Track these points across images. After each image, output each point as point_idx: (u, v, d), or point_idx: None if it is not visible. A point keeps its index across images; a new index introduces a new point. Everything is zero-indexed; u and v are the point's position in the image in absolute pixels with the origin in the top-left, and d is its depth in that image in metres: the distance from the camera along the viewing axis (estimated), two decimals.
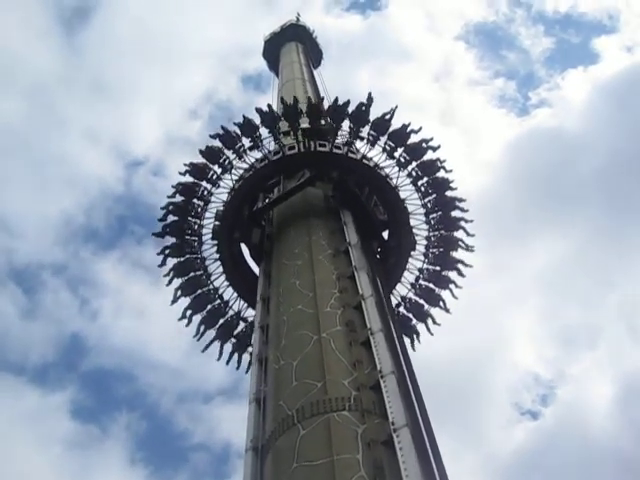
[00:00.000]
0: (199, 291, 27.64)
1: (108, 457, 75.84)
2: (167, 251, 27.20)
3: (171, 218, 27.11)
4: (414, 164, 26.58)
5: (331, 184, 24.46)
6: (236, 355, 28.21)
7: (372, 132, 26.22)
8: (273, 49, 56.59)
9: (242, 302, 27.50)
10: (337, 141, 25.60)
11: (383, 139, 26.30)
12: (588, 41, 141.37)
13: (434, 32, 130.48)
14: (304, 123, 26.11)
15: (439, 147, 26.66)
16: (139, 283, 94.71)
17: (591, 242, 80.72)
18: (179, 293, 27.48)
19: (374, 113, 26.24)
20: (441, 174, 26.84)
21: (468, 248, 27.43)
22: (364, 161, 25.62)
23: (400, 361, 15.85)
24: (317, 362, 15.78)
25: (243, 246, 26.23)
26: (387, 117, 26.22)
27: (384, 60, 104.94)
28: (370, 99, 26.03)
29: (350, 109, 26.06)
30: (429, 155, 26.70)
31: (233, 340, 28.03)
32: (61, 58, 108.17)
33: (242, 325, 27.90)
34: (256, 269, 25.42)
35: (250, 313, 27.03)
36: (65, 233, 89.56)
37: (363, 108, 26.02)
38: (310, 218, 23.46)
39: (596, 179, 77.82)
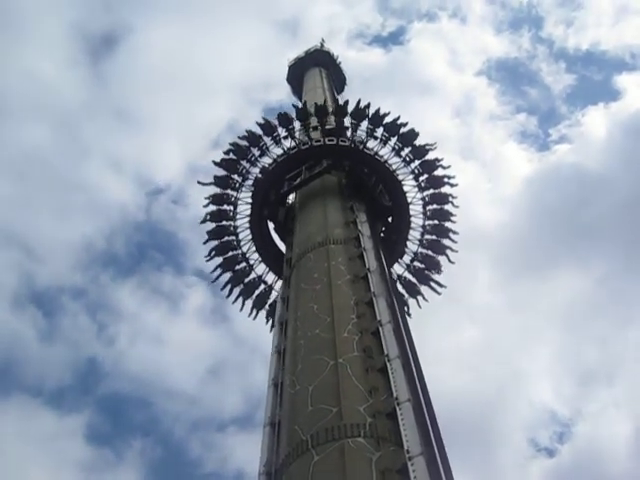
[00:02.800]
0: (230, 253, 32.26)
1: None
2: (208, 216, 32.01)
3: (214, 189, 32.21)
4: (417, 162, 31.82)
5: (344, 172, 29.00)
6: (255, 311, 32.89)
7: (385, 133, 31.74)
8: (297, 74, 57.13)
9: (265, 268, 32.24)
10: (353, 138, 30.83)
11: (393, 140, 31.68)
12: (609, 78, 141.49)
13: (456, 67, 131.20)
14: (328, 124, 31.63)
15: (436, 150, 32.16)
16: (157, 310, 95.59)
17: (610, 279, 79.90)
18: (213, 253, 32.26)
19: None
20: (438, 172, 31.99)
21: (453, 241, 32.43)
22: (375, 156, 30.34)
23: (417, 389, 15.74)
24: (333, 388, 15.69)
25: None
26: (398, 122, 31.84)
27: (405, 94, 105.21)
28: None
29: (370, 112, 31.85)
30: (430, 155, 32.00)
31: (254, 298, 32.69)
32: (86, 87, 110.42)
33: (262, 286, 32.53)
34: (279, 243, 30.82)
35: (270, 277, 32.31)
36: (85, 258, 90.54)
37: (380, 113, 31.88)
38: (327, 198, 27.46)
39: (615, 216, 77.29)
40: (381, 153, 30.99)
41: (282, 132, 32.00)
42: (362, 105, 32.10)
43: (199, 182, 32.69)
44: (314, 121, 31.99)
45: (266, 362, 20.09)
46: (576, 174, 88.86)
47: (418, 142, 32.07)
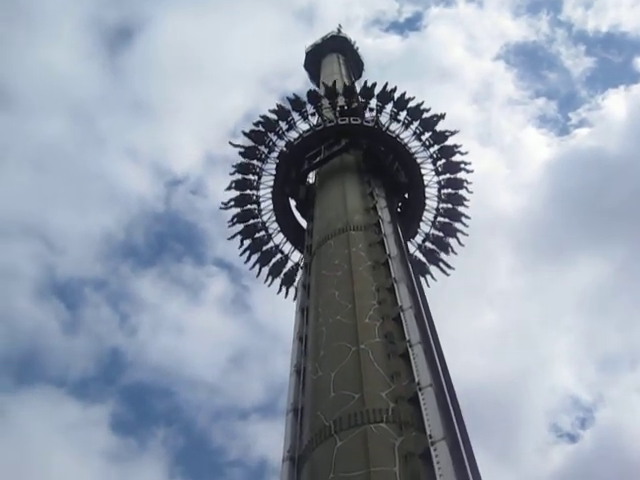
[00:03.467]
0: (251, 221, 33.66)
1: (147, 470, 76.85)
2: (233, 184, 33.40)
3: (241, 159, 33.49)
4: (436, 147, 32.72)
5: (362, 151, 29.93)
6: (284, 288, 34.08)
7: (407, 117, 32.79)
8: (314, 60, 57.01)
9: (283, 238, 33.65)
10: (377, 119, 31.94)
11: (415, 124, 32.67)
12: (630, 60, 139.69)
13: (474, 52, 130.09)
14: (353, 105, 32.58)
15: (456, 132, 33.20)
16: (178, 300, 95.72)
17: (631, 263, 79.29)
18: (235, 219, 33.62)
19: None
20: (456, 158, 32.81)
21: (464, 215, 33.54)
22: (389, 133, 31.37)
23: (439, 374, 15.75)
24: (355, 373, 15.77)
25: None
26: (422, 107, 32.92)
27: (423, 80, 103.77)
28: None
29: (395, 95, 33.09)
30: (440, 127, 32.89)
31: (270, 266, 34.11)
32: (103, 79, 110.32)
33: (280, 255, 33.96)
34: (298, 217, 32.21)
35: (287, 247, 33.76)
36: (106, 249, 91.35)
37: (405, 97, 32.97)
38: (345, 176, 28.43)
39: (636, 200, 76.42)
40: (402, 136, 31.95)
41: (310, 109, 33.31)
42: (389, 89, 33.36)
43: (230, 143, 34.18)
44: (341, 101, 33.17)
45: (287, 350, 20.21)
46: (596, 158, 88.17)
47: (439, 128, 32.94)
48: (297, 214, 32.36)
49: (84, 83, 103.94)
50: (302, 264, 28.86)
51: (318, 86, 48.63)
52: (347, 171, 29.04)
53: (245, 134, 33.88)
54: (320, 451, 14.18)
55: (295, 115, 33.37)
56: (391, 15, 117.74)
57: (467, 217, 33.64)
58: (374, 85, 33.80)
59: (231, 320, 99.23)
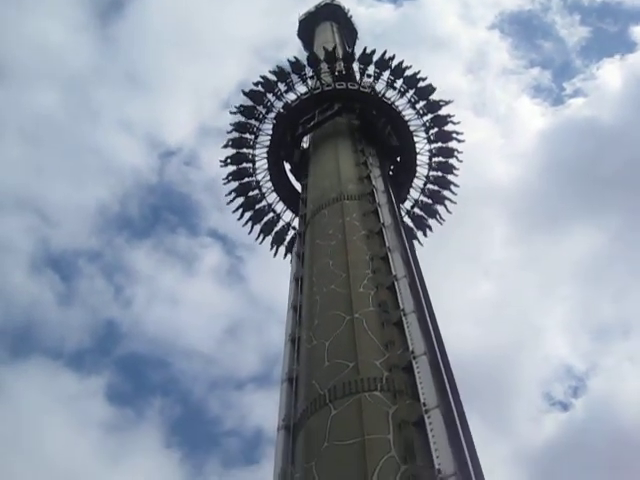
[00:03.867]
0: (250, 193, 34.61)
1: (143, 440, 77.51)
2: (230, 142, 34.28)
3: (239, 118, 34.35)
4: (422, 103, 33.49)
5: (355, 115, 30.51)
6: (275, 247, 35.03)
7: (404, 85, 33.58)
8: (308, 29, 56.50)
9: (283, 206, 34.45)
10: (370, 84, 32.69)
11: (411, 92, 33.48)
12: (625, 29, 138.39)
13: (468, 21, 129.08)
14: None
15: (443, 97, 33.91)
16: (172, 271, 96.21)
17: (625, 232, 79.79)
18: (230, 177, 34.53)
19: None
20: (448, 127, 33.58)
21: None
22: (383, 99, 32.06)
23: (432, 342, 15.80)
24: (349, 342, 15.80)
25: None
26: (418, 76, 33.55)
27: (417, 49, 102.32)
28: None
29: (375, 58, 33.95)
30: (435, 96, 33.72)
31: (262, 224, 35.00)
32: (96, 50, 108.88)
33: (272, 214, 34.83)
34: (295, 183, 32.84)
35: (287, 215, 34.53)
36: (100, 221, 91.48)
37: (402, 66, 33.69)
38: (338, 139, 28.85)
39: (631, 169, 76.39)
40: (397, 103, 32.72)
41: (309, 72, 33.95)
42: (387, 56, 34.09)
43: (230, 112, 34.95)
44: (339, 66, 33.79)
45: (282, 321, 20.22)
46: (591, 128, 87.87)
47: (433, 97, 33.76)
48: (292, 178, 33.11)
49: (77, 55, 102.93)
50: (296, 230, 31.32)
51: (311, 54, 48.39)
52: (340, 135, 29.37)
53: (244, 93, 34.65)
54: (315, 420, 14.24)
55: (294, 77, 34.06)
56: None
57: (456, 185, 34.58)
58: (373, 52, 34.40)
59: (226, 291, 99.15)
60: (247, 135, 34.22)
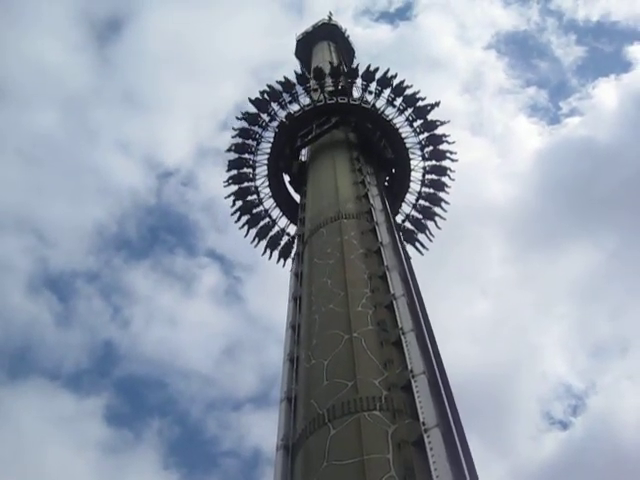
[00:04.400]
0: (245, 184, 35.84)
1: (141, 461, 77.25)
2: (233, 147, 35.83)
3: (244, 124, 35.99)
4: (419, 122, 34.81)
5: (350, 127, 31.99)
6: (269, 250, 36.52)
7: (378, 87, 35.05)
8: (305, 48, 56.80)
9: (280, 213, 35.83)
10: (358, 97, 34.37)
11: (409, 110, 34.83)
12: (620, 49, 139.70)
13: (464, 41, 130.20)
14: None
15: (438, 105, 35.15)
16: (171, 291, 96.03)
17: (622, 251, 79.74)
18: (231, 181, 36.00)
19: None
20: (443, 147, 34.92)
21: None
22: (382, 115, 33.52)
23: (432, 361, 15.76)
24: (348, 361, 15.78)
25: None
26: (417, 95, 34.94)
27: (414, 70, 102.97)
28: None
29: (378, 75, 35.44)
30: (432, 116, 34.99)
31: (258, 228, 36.43)
32: (94, 70, 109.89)
33: (268, 219, 36.18)
34: (293, 193, 34.31)
35: (283, 221, 36.04)
36: (98, 242, 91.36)
37: (403, 85, 35.15)
38: (335, 152, 29.96)
39: (627, 188, 76.71)
40: (395, 121, 34.18)
41: (314, 84, 35.71)
42: (389, 75, 35.55)
43: (238, 118, 36.43)
44: (342, 81, 35.64)
45: (280, 341, 20.25)
46: (587, 147, 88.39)
47: (430, 117, 35.03)
48: (289, 186, 34.56)
49: (75, 75, 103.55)
50: (290, 236, 35.08)
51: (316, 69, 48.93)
52: (337, 148, 30.57)
53: (251, 101, 35.98)
54: (314, 439, 14.20)
55: (299, 89, 35.73)
56: (381, 5, 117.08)
57: (447, 203, 35.94)
58: (376, 70, 35.83)
59: (224, 311, 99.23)
60: (249, 141, 35.71)
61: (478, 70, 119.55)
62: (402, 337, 16.17)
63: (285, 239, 36.03)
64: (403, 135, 33.89)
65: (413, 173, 34.52)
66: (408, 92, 35.21)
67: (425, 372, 14.74)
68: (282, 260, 36.21)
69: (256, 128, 35.65)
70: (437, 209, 35.87)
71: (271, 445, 15.77)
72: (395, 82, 35.30)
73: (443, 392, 14.67)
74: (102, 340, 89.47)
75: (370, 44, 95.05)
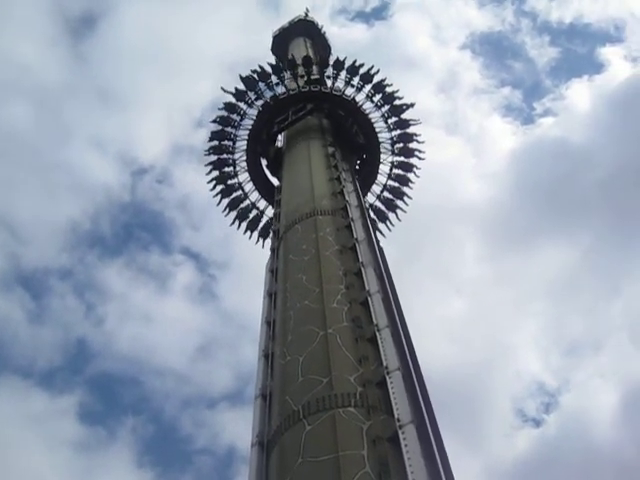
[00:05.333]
0: (224, 155, 37.33)
1: (115, 460, 76.57)
2: (218, 119, 37.17)
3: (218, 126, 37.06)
4: (387, 107, 36.78)
5: (324, 114, 33.63)
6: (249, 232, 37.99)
7: (360, 82, 36.97)
8: (282, 44, 56.50)
9: (258, 196, 37.27)
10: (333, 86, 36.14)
11: (386, 107, 36.81)
12: (593, 51, 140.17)
13: (439, 41, 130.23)
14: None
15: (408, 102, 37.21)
16: (145, 289, 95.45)
17: (596, 251, 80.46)
18: (211, 151, 37.37)
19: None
20: (413, 145, 37.01)
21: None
22: (351, 100, 35.21)
23: (406, 358, 15.80)
24: (323, 358, 15.78)
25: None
26: (372, 72, 37.07)
27: (389, 69, 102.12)
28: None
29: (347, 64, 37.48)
30: (399, 102, 37.04)
31: (230, 198, 37.77)
32: (67, 66, 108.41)
33: (240, 192, 37.53)
34: (270, 177, 35.77)
35: (262, 203, 37.41)
36: (71, 239, 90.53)
37: (356, 64, 37.31)
38: (310, 134, 31.69)
39: (601, 188, 77.65)
40: (372, 115, 36.18)
41: (287, 75, 37.37)
42: (372, 72, 37.35)
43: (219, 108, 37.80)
44: (328, 71, 37.58)
45: (255, 339, 20.17)
46: (561, 147, 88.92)
47: (405, 115, 37.02)
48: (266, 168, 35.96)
49: (49, 71, 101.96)
50: (269, 218, 36.20)
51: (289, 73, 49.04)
52: (311, 134, 31.96)
53: (242, 78, 37.33)
54: (289, 436, 14.18)
55: (274, 78, 37.16)
56: (357, 4, 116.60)
57: (409, 197, 38.15)
58: (361, 65, 37.63)
59: (199, 309, 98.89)
60: (228, 129, 37.01)
61: (453, 70, 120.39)
62: (377, 333, 16.19)
63: (264, 220, 37.53)
64: (377, 130, 35.79)
65: (381, 166, 36.60)
66: (387, 90, 37.03)
67: (400, 368, 14.78)
68: (261, 240, 37.62)
69: (234, 116, 36.95)
70: (399, 202, 38.11)
71: (246, 443, 15.74)
72: (376, 79, 37.15)
73: (418, 389, 14.71)
74: (76, 338, 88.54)
75: (346, 43, 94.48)
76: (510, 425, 76.61)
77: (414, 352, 16.39)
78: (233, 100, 37.21)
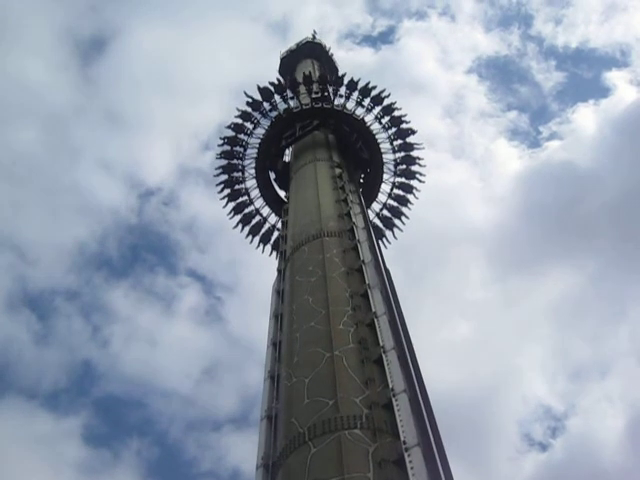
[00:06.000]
0: (234, 174, 38.76)
1: None
2: (222, 154, 38.62)
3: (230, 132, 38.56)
4: (394, 129, 37.97)
5: (330, 129, 35.23)
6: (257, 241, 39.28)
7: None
8: (289, 66, 56.87)
9: (268, 209, 38.64)
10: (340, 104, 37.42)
11: (393, 130, 37.97)
12: (599, 75, 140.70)
13: (446, 65, 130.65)
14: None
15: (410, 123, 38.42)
16: (151, 311, 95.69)
17: (603, 274, 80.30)
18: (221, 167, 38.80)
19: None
20: (415, 168, 38.44)
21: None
22: (357, 118, 36.61)
23: (413, 380, 15.77)
24: (329, 380, 15.75)
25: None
26: (382, 94, 38.29)
27: (396, 93, 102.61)
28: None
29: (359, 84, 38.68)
30: (405, 126, 38.17)
31: (236, 203, 39.16)
32: (76, 90, 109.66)
33: (246, 197, 38.94)
34: (278, 190, 37.29)
35: (273, 218, 38.70)
36: (78, 261, 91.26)
37: (392, 107, 38.28)
38: (316, 149, 32.74)
39: (607, 212, 77.41)
40: (379, 136, 37.32)
41: (302, 89, 38.40)
42: (382, 94, 38.49)
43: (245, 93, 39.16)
44: (341, 90, 38.66)
45: (260, 362, 20.18)
46: (567, 171, 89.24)
47: (410, 139, 38.27)
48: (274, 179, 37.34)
49: (58, 94, 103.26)
50: (279, 232, 35.59)
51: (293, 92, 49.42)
52: (318, 145, 33.45)
53: (259, 89, 38.46)
54: (294, 458, 14.14)
55: (289, 93, 38.35)
56: (365, 29, 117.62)
57: (407, 217, 39.63)
58: (374, 87, 38.76)
59: (205, 331, 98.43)
60: (248, 124, 38.23)
61: (459, 94, 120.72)
62: (383, 355, 16.18)
63: (266, 226, 39.08)
64: (382, 150, 37.04)
65: (383, 185, 38.03)
66: (395, 113, 38.17)
67: (406, 390, 14.75)
68: (262, 245, 39.19)
69: (257, 114, 38.21)
70: (396, 220, 39.61)
71: (251, 466, 15.72)
72: (386, 102, 38.36)
73: (424, 411, 14.66)
74: (81, 359, 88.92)
75: (353, 67, 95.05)
76: (516, 449, 76.04)
77: (420, 374, 16.34)
78: (249, 109, 38.42)
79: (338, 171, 29.49)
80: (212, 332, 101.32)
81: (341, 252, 21.93)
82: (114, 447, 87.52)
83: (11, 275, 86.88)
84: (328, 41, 66.71)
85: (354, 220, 24.22)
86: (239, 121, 38.42)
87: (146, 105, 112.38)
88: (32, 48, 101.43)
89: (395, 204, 39.02)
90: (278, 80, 39.97)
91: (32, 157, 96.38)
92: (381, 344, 16.66)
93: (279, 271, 24.17)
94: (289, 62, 57.47)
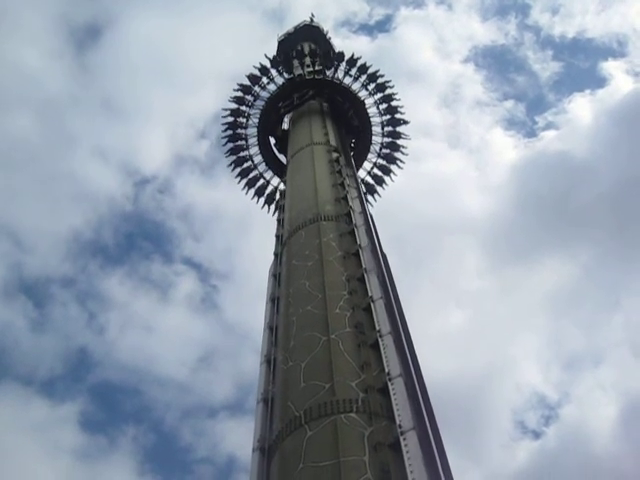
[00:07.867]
0: (241, 153, 43.01)
1: (116, 468, 76.65)
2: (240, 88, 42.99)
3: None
4: (379, 95, 42.94)
5: (324, 98, 38.81)
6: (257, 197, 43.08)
7: (357, 72, 43.32)
8: (287, 49, 56.65)
9: (271, 173, 42.67)
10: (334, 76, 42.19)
11: (384, 105, 42.85)
12: (596, 65, 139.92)
13: (443, 54, 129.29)
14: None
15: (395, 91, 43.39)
16: (146, 298, 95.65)
17: (598, 264, 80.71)
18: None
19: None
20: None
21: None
22: (348, 87, 41.14)
23: (408, 364, 15.78)
24: (325, 363, 15.78)
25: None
26: (368, 65, 43.42)
27: (392, 81, 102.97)
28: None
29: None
30: (389, 91, 43.26)
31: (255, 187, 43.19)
32: (72, 77, 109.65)
33: (263, 180, 43.07)
34: (278, 154, 41.24)
35: (269, 174, 42.85)
36: (74, 248, 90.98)
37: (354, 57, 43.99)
38: (311, 116, 35.93)
39: (601, 202, 77.29)
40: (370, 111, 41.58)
41: (307, 61, 43.29)
42: (378, 74, 43.54)
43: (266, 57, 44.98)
44: (342, 66, 44.19)
45: (256, 349, 20.18)
46: (562, 161, 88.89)
47: (400, 128, 43.00)
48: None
49: (53, 81, 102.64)
50: (274, 187, 41.73)
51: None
52: (313, 112, 36.74)
53: (266, 57, 44.55)
54: (290, 441, 14.19)
55: (295, 62, 43.55)
56: (361, 17, 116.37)
57: (387, 184, 43.84)
58: (370, 66, 43.73)
59: (200, 319, 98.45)
60: (247, 96, 42.90)
61: (455, 83, 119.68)
62: (379, 339, 16.19)
63: (270, 188, 42.63)
64: (370, 115, 41.15)
65: (369, 155, 42.44)
66: (379, 80, 43.21)
67: (402, 375, 14.77)
68: (267, 206, 42.59)
69: (244, 107, 42.71)
70: (379, 188, 43.70)
71: (246, 453, 15.74)
72: (380, 80, 43.37)
73: (420, 395, 14.68)
74: (77, 346, 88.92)
75: (349, 55, 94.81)
76: (510, 437, 76.59)
77: (416, 359, 16.36)
78: (248, 82, 43.00)
79: (335, 155, 29.44)
80: (208, 320, 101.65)
81: (338, 236, 21.91)
82: (110, 434, 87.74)
83: (7, 262, 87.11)
84: (324, 28, 66.67)
85: (351, 204, 24.18)
86: (240, 94, 42.69)
87: (142, 93, 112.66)
88: (28, 35, 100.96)
89: (379, 173, 43.38)
90: (274, 56, 45.17)
91: (28, 144, 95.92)
92: (377, 328, 16.67)
93: (276, 255, 24.15)
94: (287, 45, 57.16)
